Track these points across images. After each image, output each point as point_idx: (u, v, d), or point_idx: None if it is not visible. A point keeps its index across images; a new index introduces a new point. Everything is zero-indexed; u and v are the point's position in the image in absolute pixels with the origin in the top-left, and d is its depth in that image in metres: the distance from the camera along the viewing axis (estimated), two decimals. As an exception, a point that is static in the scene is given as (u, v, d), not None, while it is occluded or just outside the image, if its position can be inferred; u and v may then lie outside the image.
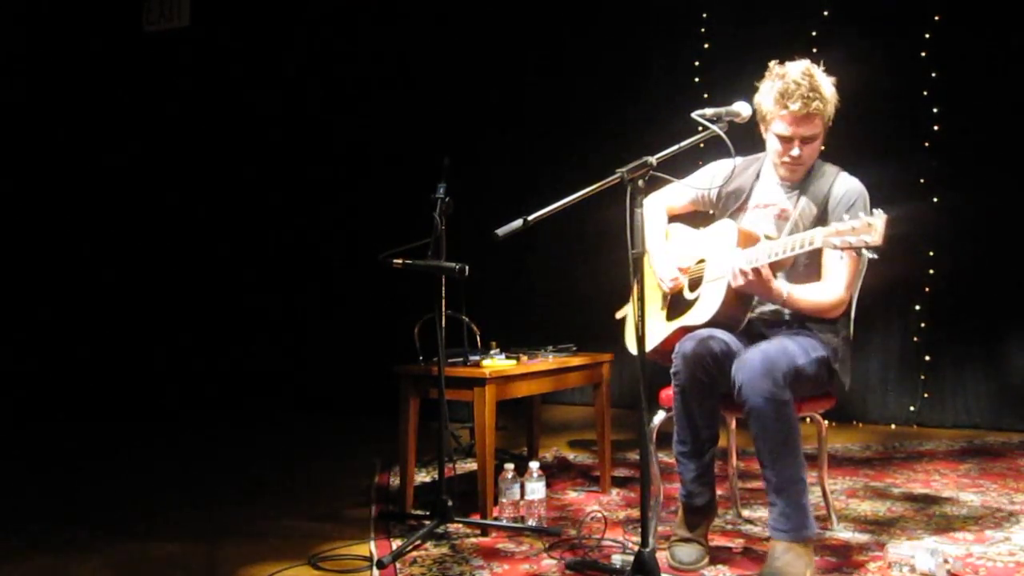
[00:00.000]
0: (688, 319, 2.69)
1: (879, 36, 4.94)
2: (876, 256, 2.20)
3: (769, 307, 2.72)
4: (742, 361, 2.45)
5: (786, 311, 2.70)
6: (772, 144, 2.69)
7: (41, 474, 4.13)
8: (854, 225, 2.18)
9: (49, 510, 3.43)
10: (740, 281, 2.45)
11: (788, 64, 2.63)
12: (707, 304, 2.62)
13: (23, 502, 3.56)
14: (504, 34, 5.84)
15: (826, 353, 2.61)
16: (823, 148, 2.72)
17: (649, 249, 2.86)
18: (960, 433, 4.71)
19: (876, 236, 2.15)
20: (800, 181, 2.72)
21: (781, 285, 2.52)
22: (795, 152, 2.64)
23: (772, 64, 2.67)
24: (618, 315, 3.10)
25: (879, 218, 2.15)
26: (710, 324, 2.60)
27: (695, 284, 2.73)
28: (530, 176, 5.54)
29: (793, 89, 2.56)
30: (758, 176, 2.81)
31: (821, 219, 2.64)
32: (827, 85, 2.62)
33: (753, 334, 2.67)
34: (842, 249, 2.22)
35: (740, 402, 2.43)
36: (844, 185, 2.67)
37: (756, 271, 2.43)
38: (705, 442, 2.60)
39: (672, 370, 2.58)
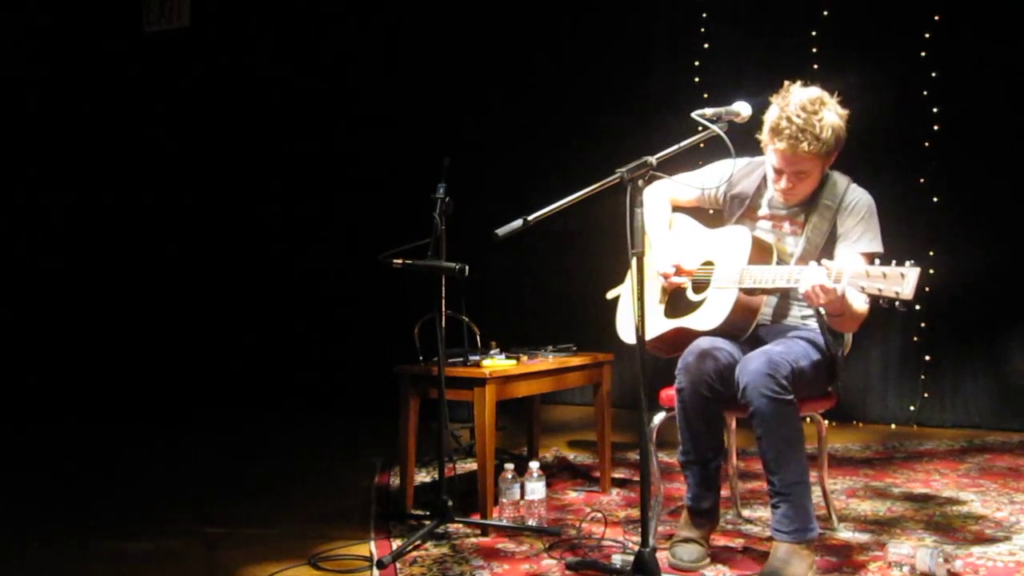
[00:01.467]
0: (692, 322, 2.67)
1: (879, 36, 4.94)
2: (904, 310, 2.13)
3: (783, 315, 2.72)
4: (745, 363, 2.45)
5: (797, 321, 2.70)
6: (768, 169, 2.67)
7: (41, 474, 4.12)
8: (885, 271, 2.11)
9: (49, 509, 3.43)
10: (822, 299, 2.30)
11: (795, 92, 2.54)
12: (715, 311, 2.60)
13: (23, 501, 3.56)
14: (505, 34, 5.84)
15: (827, 355, 2.62)
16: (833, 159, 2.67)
17: (649, 237, 2.85)
18: (960, 433, 4.71)
19: (908, 290, 2.07)
20: (811, 194, 2.67)
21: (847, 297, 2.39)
22: (783, 184, 2.60)
23: (786, 84, 2.59)
24: (609, 295, 3.07)
25: (912, 271, 2.07)
26: (716, 331, 2.59)
27: (701, 286, 2.72)
28: (530, 176, 5.54)
29: (784, 127, 2.48)
30: (765, 183, 2.76)
31: (831, 232, 2.63)
32: (828, 122, 2.48)
33: (756, 342, 2.66)
34: (869, 295, 2.16)
35: (744, 403, 2.43)
36: (853, 197, 2.63)
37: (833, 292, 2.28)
38: (708, 451, 2.61)
39: (676, 386, 2.57)
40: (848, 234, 2.61)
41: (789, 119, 2.48)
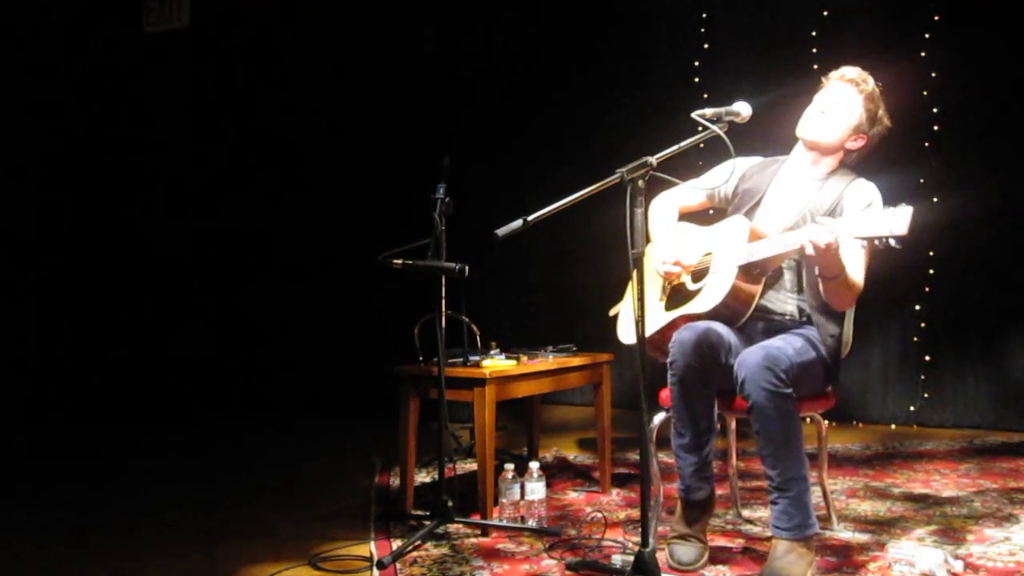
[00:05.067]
0: (690, 307, 2.69)
1: (879, 36, 4.93)
2: (900, 247, 2.21)
3: (779, 307, 2.72)
4: (744, 357, 2.46)
5: (797, 312, 2.71)
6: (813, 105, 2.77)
7: (41, 473, 4.13)
8: (877, 214, 2.21)
9: (49, 509, 3.43)
10: (820, 253, 2.35)
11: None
12: (711, 293, 2.63)
13: (23, 501, 3.56)
14: (505, 34, 5.84)
15: (825, 351, 2.62)
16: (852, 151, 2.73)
17: (653, 238, 2.86)
18: (960, 433, 4.71)
19: (902, 226, 2.16)
20: (818, 179, 2.74)
21: (842, 258, 2.46)
22: (816, 109, 2.72)
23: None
24: (612, 312, 3.09)
25: (904, 209, 2.17)
26: (712, 314, 2.60)
27: (700, 275, 2.73)
28: (530, 176, 5.54)
29: (849, 70, 2.72)
30: (778, 177, 2.82)
31: (832, 214, 2.64)
32: (878, 101, 2.76)
33: (753, 334, 2.67)
34: (867, 239, 2.24)
35: (743, 397, 2.43)
36: (860, 187, 2.70)
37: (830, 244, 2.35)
38: (703, 433, 2.59)
39: (669, 360, 2.57)
40: (851, 209, 2.63)
41: (859, 71, 2.75)
